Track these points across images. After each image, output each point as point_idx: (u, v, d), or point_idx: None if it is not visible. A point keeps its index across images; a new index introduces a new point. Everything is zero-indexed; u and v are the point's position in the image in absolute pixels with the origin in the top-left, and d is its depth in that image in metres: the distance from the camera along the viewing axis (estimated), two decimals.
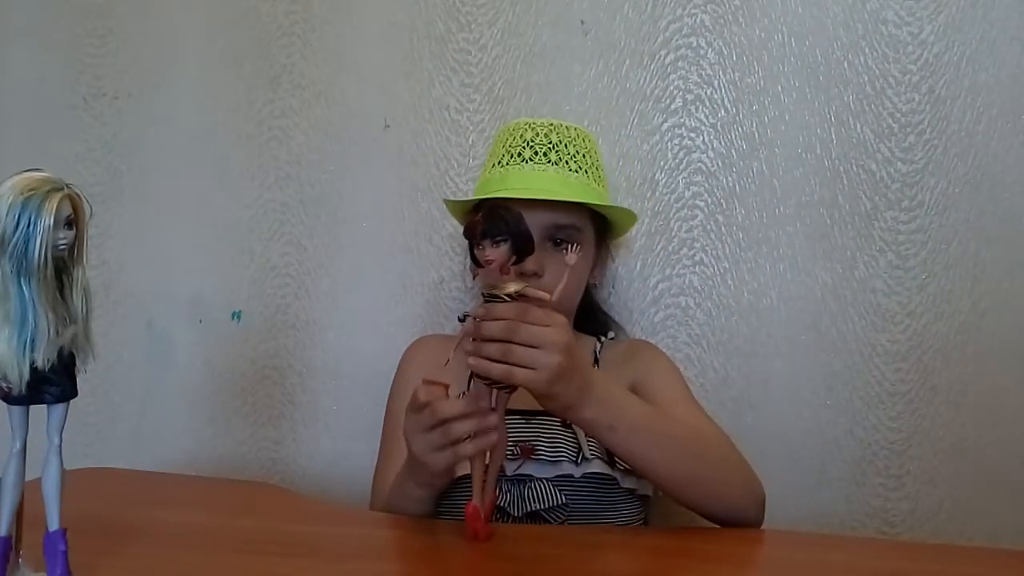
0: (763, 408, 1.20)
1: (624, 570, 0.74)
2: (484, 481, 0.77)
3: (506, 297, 0.72)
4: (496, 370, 0.72)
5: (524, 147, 1.01)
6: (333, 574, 0.69)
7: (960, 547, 1.07)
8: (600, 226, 1.07)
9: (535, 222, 0.83)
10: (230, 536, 0.77)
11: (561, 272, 0.75)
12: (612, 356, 1.07)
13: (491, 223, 0.71)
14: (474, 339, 0.73)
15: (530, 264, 0.85)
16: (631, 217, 1.09)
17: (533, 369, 0.71)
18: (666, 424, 0.87)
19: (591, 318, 1.16)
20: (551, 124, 1.03)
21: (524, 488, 0.92)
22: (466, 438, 0.75)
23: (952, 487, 1.17)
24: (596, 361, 1.06)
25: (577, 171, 1.01)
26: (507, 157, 1.02)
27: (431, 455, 0.77)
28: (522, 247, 0.72)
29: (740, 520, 0.88)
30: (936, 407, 1.17)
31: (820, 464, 1.19)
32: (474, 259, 0.74)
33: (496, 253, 0.71)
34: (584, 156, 1.02)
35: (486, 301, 0.74)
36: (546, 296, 0.73)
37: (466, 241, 1.19)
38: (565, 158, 1.00)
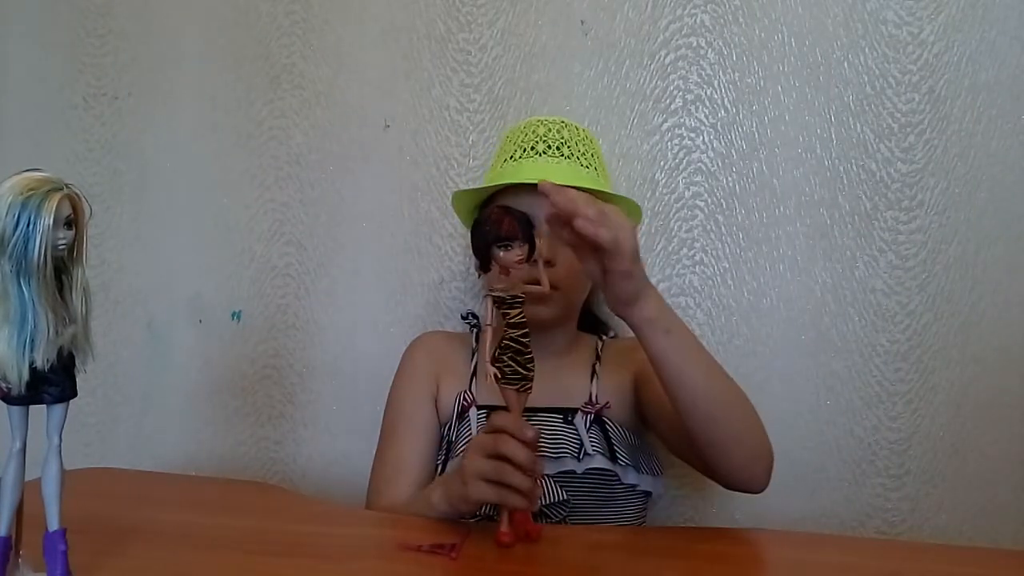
0: (763, 408, 1.19)
1: (624, 570, 0.74)
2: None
3: (521, 295, 0.74)
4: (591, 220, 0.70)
5: (537, 141, 1.01)
6: (333, 574, 0.69)
7: (960, 547, 1.06)
8: None
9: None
10: (230, 536, 0.77)
11: (571, 261, 0.75)
12: (615, 352, 1.08)
13: (523, 224, 0.72)
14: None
15: (546, 252, 0.83)
16: (637, 215, 1.09)
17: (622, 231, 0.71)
18: (709, 354, 0.85)
19: (593, 318, 1.16)
20: (562, 121, 1.04)
21: None
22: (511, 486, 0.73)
23: (952, 487, 1.17)
24: (598, 358, 1.07)
25: (587, 167, 1.01)
26: (519, 151, 1.02)
27: (475, 481, 0.75)
28: (534, 246, 0.74)
29: (749, 475, 0.86)
30: (936, 407, 1.17)
31: (820, 464, 1.19)
32: (485, 261, 0.74)
33: (524, 252, 0.73)
34: (592, 155, 1.04)
35: (506, 303, 0.74)
36: (545, 290, 0.76)
37: (469, 241, 1.20)
38: (576, 153, 1.01)
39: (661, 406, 0.92)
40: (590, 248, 0.73)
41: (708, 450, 0.84)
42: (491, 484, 0.74)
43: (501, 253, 0.73)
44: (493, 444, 0.74)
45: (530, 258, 0.74)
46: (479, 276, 1.20)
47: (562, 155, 1.00)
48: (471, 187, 1.06)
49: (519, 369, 0.74)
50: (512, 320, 0.74)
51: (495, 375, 0.74)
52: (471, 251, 1.16)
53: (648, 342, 0.79)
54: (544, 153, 1.00)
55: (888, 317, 1.19)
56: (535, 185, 0.72)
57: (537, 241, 0.75)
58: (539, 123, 1.04)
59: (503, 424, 0.75)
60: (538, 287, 0.75)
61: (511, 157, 1.03)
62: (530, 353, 0.74)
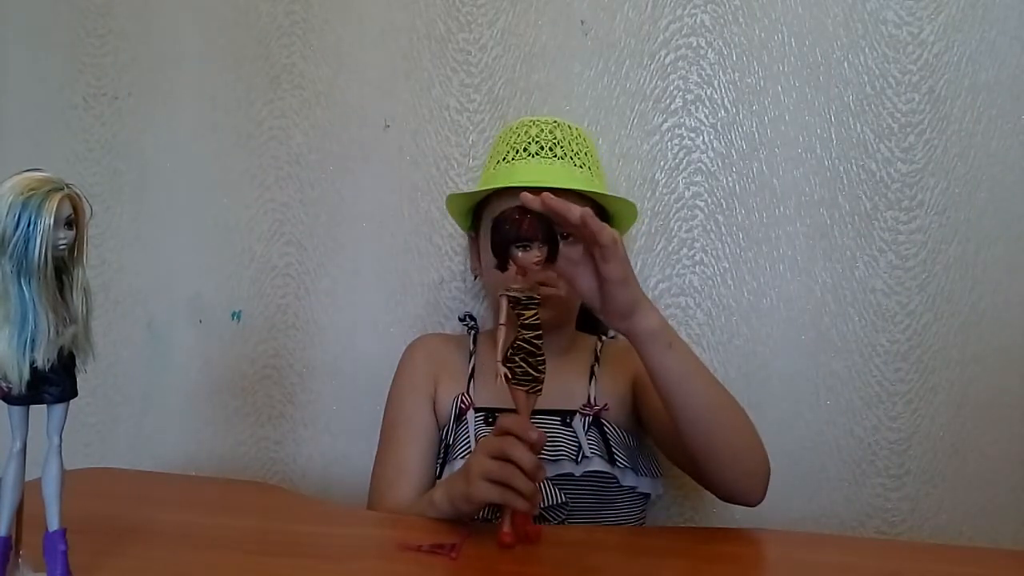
0: (763, 408, 1.20)
1: (623, 570, 0.74)
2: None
3: (538, 297, 0.74)
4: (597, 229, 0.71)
5: (530, 143, 1.01)
6: (333, 574, 0.69)
7: (960, 547, 1.07)
8: None
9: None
10: (230, 536, 0.77)
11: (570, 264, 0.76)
12: (613, 353, 1.08)
13: (543, 225, 0.72)
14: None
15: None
16: (633, 215, 1.09)
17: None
18: (706, 367, 0.85)
19: (592, 318, 1.16)
20: (555, 121, 1.04)
21: None
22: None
23: (952, 487, 1.17)
24: (597, 360, 1.06)
25: (581, 167, 1.01)
26: (512, 153, 1.02)
27: (479, 480, 0.75)
28: (556, 247, 0.74)
29: (745, 488, 0.86)
30: (936, 407, 1.18)
31: (820, 464, 1.19)
32: (503, 261, 0.74)
33: (543, 254, 0.72)
34: (586, 154, 1.03)
35: (521, 304, 0.73)
36: (561, 292, 0.76)
37: (467, 243, 1.20)
38: (569, 154, 1.01)
39: (659, 416, 0.92)
40: (583, 263, 0.75)
41: (705, 463, 0.85)
42: (495, 484, 0.74)
43: (520, 253, 0.73)
44: (500, 446, 0.74)
45: (548, 260, 0.73)
46: (475, 278, 1.20)
47: (555, 156, 1.00)
48: (466, 189, 1.05)
49: (530, 371, 0.74)
50: (526, 321, 0.73)
51: (505, 375, 0.74)
52: (468, 252, 1.17)
53: (649, 356, 0.78)
54: (537, 154, 1.00)
55: (888, 317, 1.19)
56: (529, 187, 0.72)
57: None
58: (532, 123, 1.03)
59: (510, 426, 0.75)
60: (553, 289, 0.75)
61: (504, 159, 1.02)
62: (542, 355, 0.74)
